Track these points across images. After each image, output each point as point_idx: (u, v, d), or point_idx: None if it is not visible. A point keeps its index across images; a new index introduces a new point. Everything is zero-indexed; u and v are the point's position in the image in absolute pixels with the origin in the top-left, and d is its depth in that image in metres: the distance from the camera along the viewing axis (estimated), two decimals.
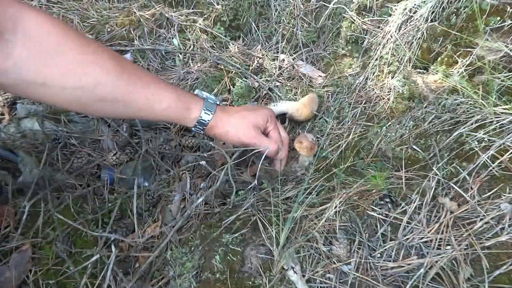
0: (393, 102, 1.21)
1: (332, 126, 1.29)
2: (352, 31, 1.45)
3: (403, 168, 1.03)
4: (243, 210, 1.04)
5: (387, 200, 0.96)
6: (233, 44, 1.66)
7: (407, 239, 0.89)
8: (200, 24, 1.68)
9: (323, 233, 0.96)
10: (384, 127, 1.14)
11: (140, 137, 1.42)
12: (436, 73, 1.19)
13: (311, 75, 1.53)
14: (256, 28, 1.69)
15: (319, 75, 1.53)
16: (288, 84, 1.50)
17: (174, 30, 1.68)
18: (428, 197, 0.93)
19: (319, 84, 1.50)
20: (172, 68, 1.64)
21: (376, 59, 1.35)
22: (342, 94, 1.39)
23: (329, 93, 1.42)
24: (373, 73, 1.35)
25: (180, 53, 1.64)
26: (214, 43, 1.66)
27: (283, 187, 1.18)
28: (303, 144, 1.18)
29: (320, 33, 1.60)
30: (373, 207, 0.96)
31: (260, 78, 1.52)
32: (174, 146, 1.43)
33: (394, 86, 1.22)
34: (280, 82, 1.52)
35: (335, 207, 1.00)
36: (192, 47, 1.65)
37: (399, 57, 1.28)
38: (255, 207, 1.03)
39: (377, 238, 0.93)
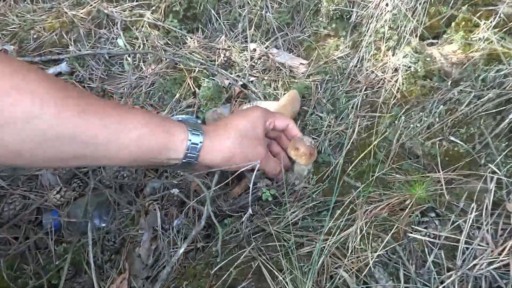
0: (403, 84, 0.97)
1: (330, 122, 1.04)
2: (335, 5, 1.19)
3: (440, 168, 0.78)
4: (237, 252, 0.77)
5: (432, 215, 0.71)
6: (191, 38, 1.38)
7: (472, 266, 0.65)
8: (148, 18, 1.39)
9: (352, 270, 0.70)
10: (402, 117, 0.89)
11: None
12: (451, 42, 0.95)
13: (290, 63, 1.27)
14: (216, 16, 1.41)
15: (300, 63, 1.27)
16: (265, 78, 1.23)
17: (117, 28, 1.39)
18: (489, 203, 0.68)
19: (302, 73, 1.24)
20: (121, 75, 1.34)
21: (370, 35, 1.10)
22: (333, 82, 1.14)
23: (317, 83, 1.16)
24: (368, 53, 1.11)
25: (129, 55, 1.34)
26: (169, 39, 1.38)
27: (280, 208, 0.92)
28: (300, 150, 0.91)
29: (294, 12, 1.33)
30: (414, 226, 0.71)
31: (230, 74, 1.25)
32: (134, 171, 1.14)
33: (402, 64, 0.98)
34: (255, 76, 1.25)
35: (361, 231, 0.74)
36: (142, 46, 1.36)
37: (400, 29, 1.04)
38: (255, 249, 0.76)
39: (428, 270, 0.68)
